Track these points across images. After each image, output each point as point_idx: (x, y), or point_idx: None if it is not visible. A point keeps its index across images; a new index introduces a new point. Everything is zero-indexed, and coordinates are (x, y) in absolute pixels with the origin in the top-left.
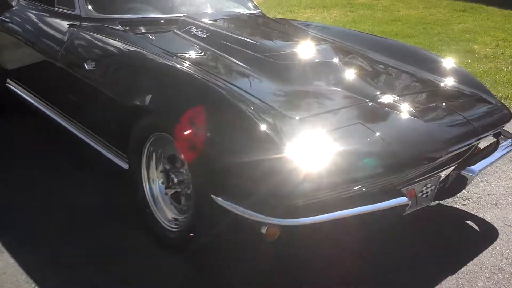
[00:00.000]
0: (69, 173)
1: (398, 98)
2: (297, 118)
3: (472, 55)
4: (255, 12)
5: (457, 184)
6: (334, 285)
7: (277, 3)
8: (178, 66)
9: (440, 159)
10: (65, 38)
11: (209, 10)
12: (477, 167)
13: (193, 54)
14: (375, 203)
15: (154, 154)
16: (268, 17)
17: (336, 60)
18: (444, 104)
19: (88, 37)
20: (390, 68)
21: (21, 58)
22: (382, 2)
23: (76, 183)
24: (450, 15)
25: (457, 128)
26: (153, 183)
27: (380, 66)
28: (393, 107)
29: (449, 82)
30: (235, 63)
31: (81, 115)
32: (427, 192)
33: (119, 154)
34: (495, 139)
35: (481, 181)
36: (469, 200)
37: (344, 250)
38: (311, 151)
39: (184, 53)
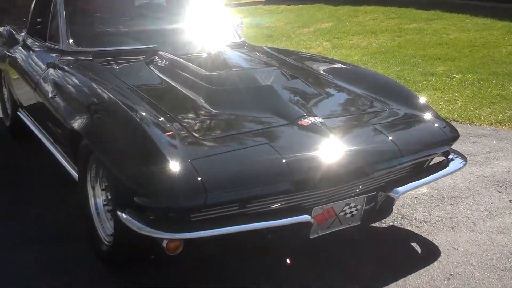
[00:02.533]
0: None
1: (322, 120)
2: (205, 138)
3: (511, 77)
4: (238, 41)
5: (387, 204)
6: None
7: (328, 30)
8: (110, 95)
9: (353, 181)
10: (44, 69)
11: (187, 41)
12: (403, 188)
13: (141, 81)
14: (278, 219)
15: (97, 173)
16: (247, 45)
17: (275, 84)
18: (374, 127)
19: (57, 69)
20: (335, 91)
21: (21, 88)
22: (434, 26)
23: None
24: (502, 37)
25: (377, 151)
26: (98, 199)
27: (326, 89)
28: (311, 128)
29: (398, 108)
30: (174, 88)
31: (52, 136)
32: (351, 212)
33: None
34: (444, 158)
35: (451, 204)
36: (426, 223)
37: (260, 266)
38: (207, 168)
39: (136, 81)
